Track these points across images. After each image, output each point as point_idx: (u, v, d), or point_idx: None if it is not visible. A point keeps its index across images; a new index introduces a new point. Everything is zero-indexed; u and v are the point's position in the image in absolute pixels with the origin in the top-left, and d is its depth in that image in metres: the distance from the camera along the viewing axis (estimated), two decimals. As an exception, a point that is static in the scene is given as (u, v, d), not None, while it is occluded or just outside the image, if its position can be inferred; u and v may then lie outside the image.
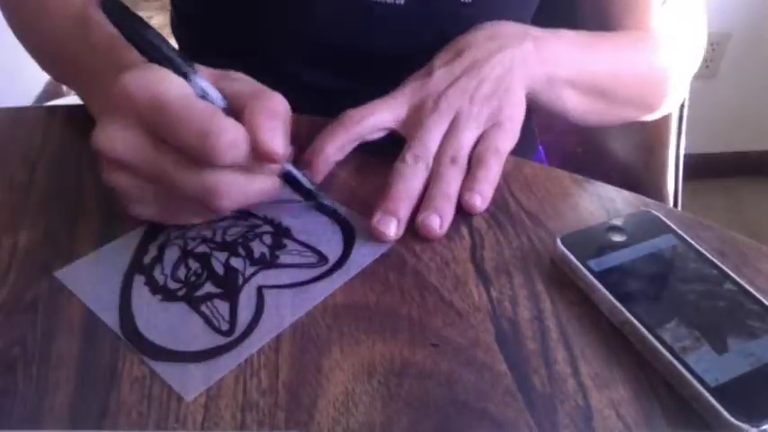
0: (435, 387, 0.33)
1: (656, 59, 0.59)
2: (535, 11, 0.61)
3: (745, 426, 0.30)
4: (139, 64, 0.36)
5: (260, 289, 0.38)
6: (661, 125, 0.75)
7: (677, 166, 0.76)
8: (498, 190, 0.45)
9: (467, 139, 0.45)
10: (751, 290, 0.37)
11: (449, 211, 0.42)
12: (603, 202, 0.45)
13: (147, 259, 0.39)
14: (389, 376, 0.33)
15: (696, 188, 1.00)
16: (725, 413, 0.31)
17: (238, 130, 0.35)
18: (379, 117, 0.46)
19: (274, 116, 0.36)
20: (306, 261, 0.40)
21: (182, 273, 0.39)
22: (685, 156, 0.76)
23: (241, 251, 0.40)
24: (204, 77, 0.37)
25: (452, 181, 0.44)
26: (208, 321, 0.36)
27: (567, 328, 0.36)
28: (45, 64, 0.57)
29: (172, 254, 0.40)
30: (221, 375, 0.33)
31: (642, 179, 0.77)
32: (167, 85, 0.35)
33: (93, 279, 0.38)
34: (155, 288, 0.38)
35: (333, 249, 0.40)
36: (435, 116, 0.45)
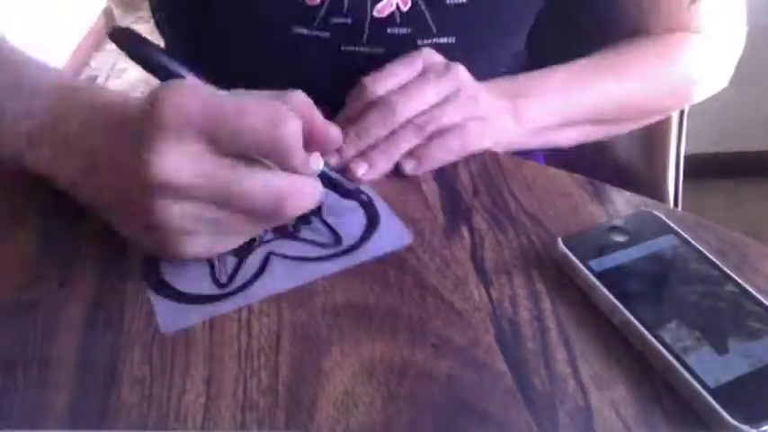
0: (435, 387, 0.33)
1: (680, 68, 0.58)
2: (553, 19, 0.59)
3: (744, 427, 0.30)
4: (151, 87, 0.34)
5: (269, 255, 0.40)
6: (661, 125, 0.75)
7: (677, 166, 0.76)
8: (498, 190, 0.45)
9: (451, 116, 0.46)
10: (752, 291, 0.37)
11: (381, 167, 0.45)
12: (603, 202, 0.45)
13: None
14: (389, 376, 0.33)
15: (696, 188, 1.00)
16: (724, 414, 0.31)
17: (295, 117, 0.33)
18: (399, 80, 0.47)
19: (314, 108, 0.36)
20: (320, 240, 0.41)
21: None
22: (685, 156, 0.76)
23: None
24: None
25: (405, 145, 0.45)
26: (212, 270, 0.39)
27: (567, 328, 0.36)
28: None
29: None
30: (201, 320, 0.36)
31: (642, 179, 0.77)
32: (207, 91, 0.33)
33: None
34: None
35: (350, 236, 0.42)
36: (439, 80, 0.47)
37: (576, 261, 0.38)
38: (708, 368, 0.32)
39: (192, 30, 0.58)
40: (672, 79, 0.59)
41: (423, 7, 0.51)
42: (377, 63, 0.51)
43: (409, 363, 0.34)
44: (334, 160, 0.45)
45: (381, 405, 0.32)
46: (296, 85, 0.54)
